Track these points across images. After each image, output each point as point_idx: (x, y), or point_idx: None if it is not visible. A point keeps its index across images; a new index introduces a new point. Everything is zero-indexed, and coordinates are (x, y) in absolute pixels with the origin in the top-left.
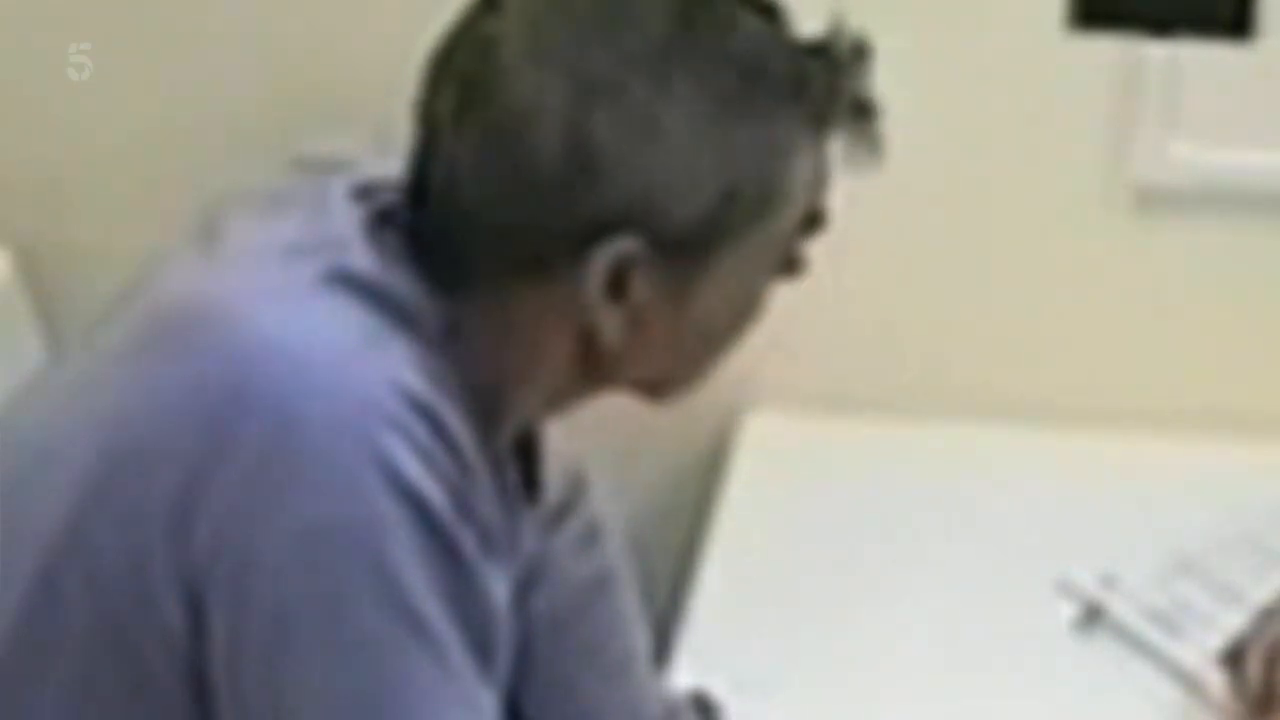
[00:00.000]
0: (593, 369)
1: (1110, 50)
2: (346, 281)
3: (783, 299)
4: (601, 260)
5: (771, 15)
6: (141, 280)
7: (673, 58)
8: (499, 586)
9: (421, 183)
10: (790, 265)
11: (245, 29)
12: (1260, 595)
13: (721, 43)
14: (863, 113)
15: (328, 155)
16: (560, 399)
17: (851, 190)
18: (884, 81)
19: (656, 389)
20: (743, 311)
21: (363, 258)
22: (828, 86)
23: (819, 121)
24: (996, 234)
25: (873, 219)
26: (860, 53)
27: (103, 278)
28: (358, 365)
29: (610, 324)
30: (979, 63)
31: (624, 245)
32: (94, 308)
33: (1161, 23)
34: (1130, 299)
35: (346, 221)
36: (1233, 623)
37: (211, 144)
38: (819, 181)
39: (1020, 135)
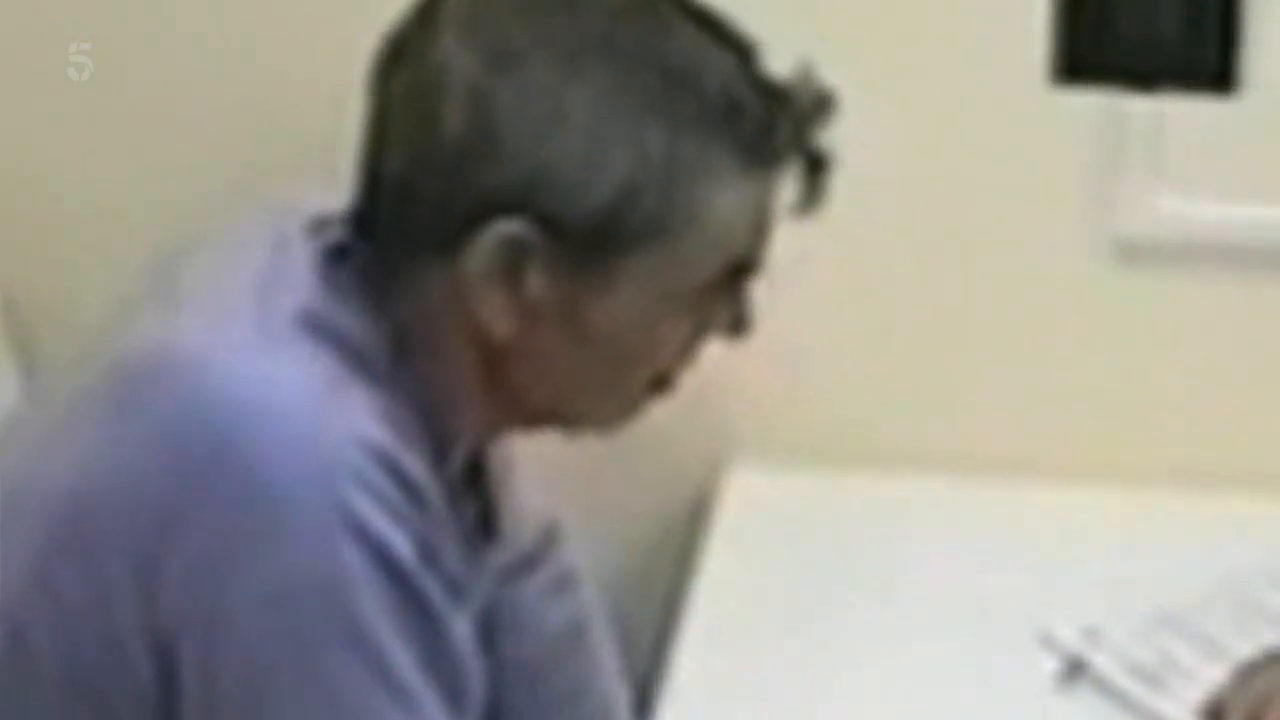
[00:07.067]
0: (497, 376)
1: (1094, 104)
2: (304, 325)
3: (765, 354)
4: (491, 238)
5: (743, 51)
6: (104, 328)
7: (594, 49)
8: (464, 628)
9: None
10: (736, 325)
11: (231, 82)
12: (1244, 649)
13: (652, 46)
14: (814, 165)
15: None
16: (490, 417)
17: (834, 244)
18: (865, 134)
19: (567, 420)
20: (649, 343)
21: (318, 298)
22: (765, 123)
23: (752, 157)
24: (980, 288)
25: (853, 272)
26: (822, 104)
27: (82, 326)
28: (322, 420)
29: (495, 311)
30: (962, 116)
31: (515, 226)
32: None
33: (1146, 76)
34: (1114, 353)
35: (301, 261)
36: (1216, 677)
37: (195, 193)
38: (753, 229)
39: (1004, 189)
